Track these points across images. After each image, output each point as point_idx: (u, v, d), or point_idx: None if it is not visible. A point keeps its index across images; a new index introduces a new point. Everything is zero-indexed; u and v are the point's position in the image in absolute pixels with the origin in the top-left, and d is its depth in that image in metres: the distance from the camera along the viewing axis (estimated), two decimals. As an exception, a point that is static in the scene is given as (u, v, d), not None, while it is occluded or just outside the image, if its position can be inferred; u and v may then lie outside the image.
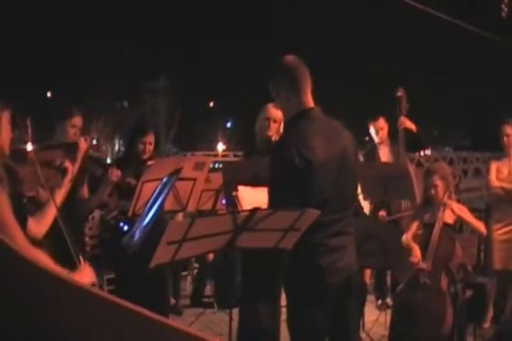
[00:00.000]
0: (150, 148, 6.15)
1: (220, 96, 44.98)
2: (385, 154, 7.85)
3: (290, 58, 4.00)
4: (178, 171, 4.51)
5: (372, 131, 7.85)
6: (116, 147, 42.47)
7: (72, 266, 3.43)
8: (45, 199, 4.01)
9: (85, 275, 3.39)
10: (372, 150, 7.98)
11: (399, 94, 7.58)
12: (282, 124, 5.75)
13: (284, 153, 3.68)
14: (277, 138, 5.64)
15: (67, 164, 4.49)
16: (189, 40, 42.13)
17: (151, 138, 6.14)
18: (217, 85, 41.95)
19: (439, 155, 24.92)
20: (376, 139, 7.85)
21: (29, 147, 4.40)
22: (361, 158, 7.82)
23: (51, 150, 4.82)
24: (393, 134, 7.68)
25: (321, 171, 3.67)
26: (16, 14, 33.71)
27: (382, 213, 7.34)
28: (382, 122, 7.83)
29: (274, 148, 4.10)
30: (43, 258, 3.11)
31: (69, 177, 4.47)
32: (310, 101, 3.92)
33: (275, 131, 5.75)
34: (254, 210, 3.22)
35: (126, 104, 44.48)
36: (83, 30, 37.02)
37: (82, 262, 3.54)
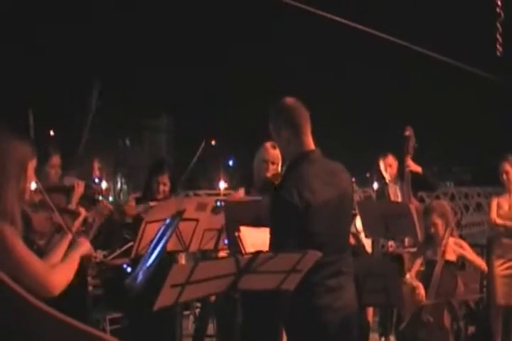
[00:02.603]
0: (164, 188, 6.19)
1: (221, 135, 45.11)
2: (394, 192, 7.87)
3: (290, 100, 4.05)
4: (181, 213, 4.55)
5: (382, 167, 7.88)
6: (119, 185, 42.51)
7: None
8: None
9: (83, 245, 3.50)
10: (382, 187, 8.03)
11: (407, 133, 7.56)
12: (280, 164, 5.81)
13: (285, 195, 3.73)
14: (276, 178, 5.69)
15: (81, 209, 4.58)
16: (190, 79, 42.39)
17: (165, 178, 6.19)
18: (218, 123, 42.12)
19: (441, 190, 24.95)
20: (386, 176, 7.88)
21: (33, 186, 4.47)
22: (373, 196, 7.88)
23: (52, 194, 4.89)
24: (401, 173, 7.71)
25: (320, 213, 3.73)
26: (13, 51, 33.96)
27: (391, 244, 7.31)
28: (391, 159, 7.85)
29: (275, 189, 4.15)
30: (62, 270, 3.31)
31: (80, 220, 4.56)
32: (310, 143, 3.98)
33: (274, 172, 5.78)
34: (257, 253, 3.27)
35: (128, 141, 44.68)
36: (83, 68, 37.26)
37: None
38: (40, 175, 5.44)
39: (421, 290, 5.94)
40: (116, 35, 38.82)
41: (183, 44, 42.40)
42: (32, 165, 3.33)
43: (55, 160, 5.55)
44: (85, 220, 5.28)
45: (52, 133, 37.94)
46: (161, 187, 6.17)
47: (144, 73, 40.45)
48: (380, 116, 40.88)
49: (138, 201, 6.50)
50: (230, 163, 49.03)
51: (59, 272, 3.26)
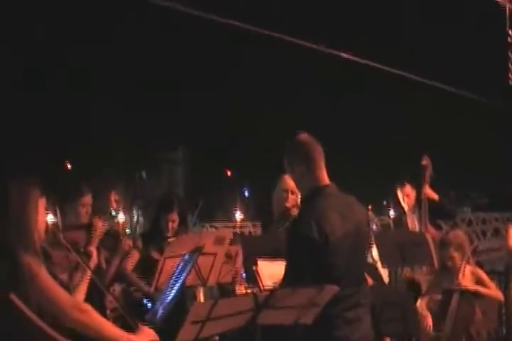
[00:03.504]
0: (173, 225, 6.28)
1: (237, 165, 45.18)
2: (412, 222, 7.88)
3: (304, 136, 4.15)
4: (199, 249, 4.63)
5: (400, 196, 7.91)
6: (135, 218, 42.58)
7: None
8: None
9: (147, 335, 3.50)
10: (400, 217, 8.05)
11: (424, 162, 7.61)
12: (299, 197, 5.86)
13: (303, 229, 3.81)
14: (295, 210, 5.73)
15: (92, 248, 4.66)
16: (206, 110, 42.54)
17: (174, 216, 6.28)
18: (234, 154, 42.19)
19: (458, 216, 24.94)
20: (404, 206, 7.91)
21: (49, 217, 4.53)
22: (391, 224, 7.91)
23: (73, 232, 4.97)
24: (419, 202, 7.73)
25: (338, 246, 3.80)
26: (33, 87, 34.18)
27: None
28: (408, 189, 7.85)
29: (292, 223, 4.22)
30: (95, 315, 3.31)
31: (94, 261, 4.65)
32: (325, 178, 4.07)
33: (293, 202, 5.83)
34: (275, 290, 3.34)
35: (144, 174, 44.83)
36: (102, 101, 37.45)
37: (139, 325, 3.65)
38: (70, 213, 5.51)
39: (429, 321, 5.96)
40: (133, 68, 39.12)
41: (198, 77, 42.63)
42: (42, 203, 3.47)
43: (87, 199, 5.55)
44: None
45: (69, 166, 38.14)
46: (170, 225, 6.27)
47: (160, 105, 40.67)
48: (396, 143, 40.82)
49: (144, 236, 6.56)
50: (246, 193, 49.01)
51: (91, 317, 3.32)
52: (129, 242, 5.80)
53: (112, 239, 5.60)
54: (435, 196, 7.58)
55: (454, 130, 42.79)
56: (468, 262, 6.24)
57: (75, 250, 4.37)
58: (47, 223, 3.83)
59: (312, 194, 4.03)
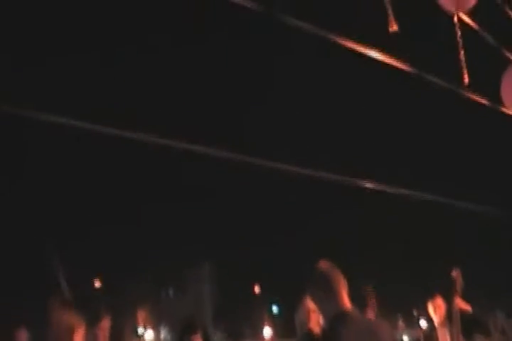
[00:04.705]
0: None
1: (264, 281, 44.82)
2: (443, 335, 7.75)
3: (324, 264, 4.30)
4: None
5: (430, 309, 7.80)
6: (162, 335, 42.19)
7: None
8: None
9: None
10: (430, 330, 7.93)
11: (454, 274, 7.56)
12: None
13: None
14: (319, 329, 5.70)
15: None
16: (229, 225, 42.52)
17: (197, 338, 6.22)
18: (262, 269, 41.90)
19: (491, 324, 24.39)
20: (435, 318, 7.79)
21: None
22: (421, 337, 7.79)
23: None
24: (450, 315, 7.60)
25: None
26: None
27: None
28: (439, 301, 7.77)
29: None
30: None
31: None
32: (346, 303, 4.15)
33: (316, 322, 5.80)
34: None
35: (171, 291, 44.68)
36: (124, 219, 37.63)
37: None
38: (88, 336, 5.46)
39: None
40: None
41: (215, 182, 42.83)
42: (80, 333, 3.43)
43: (105, 323, 5.53)
44: None
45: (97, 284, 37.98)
46: None
47: (183, 221, 40.78)
48: (426, 255, 40.63)
49: None
50: (275, 309, 48.29)
51: None
52: None
53: None
54: (468, 307, 7.46)
55: (484, 240, 42.61)
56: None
57: None
58: None
59: (331, 321, 4.10)
